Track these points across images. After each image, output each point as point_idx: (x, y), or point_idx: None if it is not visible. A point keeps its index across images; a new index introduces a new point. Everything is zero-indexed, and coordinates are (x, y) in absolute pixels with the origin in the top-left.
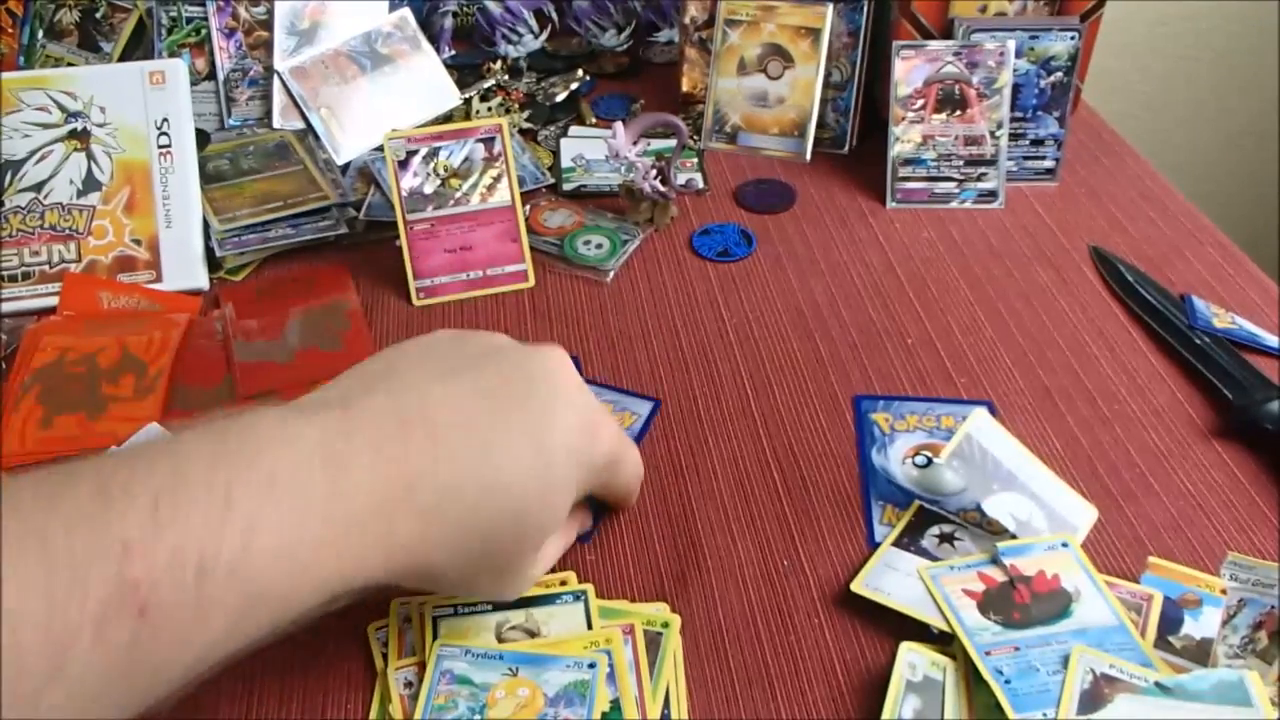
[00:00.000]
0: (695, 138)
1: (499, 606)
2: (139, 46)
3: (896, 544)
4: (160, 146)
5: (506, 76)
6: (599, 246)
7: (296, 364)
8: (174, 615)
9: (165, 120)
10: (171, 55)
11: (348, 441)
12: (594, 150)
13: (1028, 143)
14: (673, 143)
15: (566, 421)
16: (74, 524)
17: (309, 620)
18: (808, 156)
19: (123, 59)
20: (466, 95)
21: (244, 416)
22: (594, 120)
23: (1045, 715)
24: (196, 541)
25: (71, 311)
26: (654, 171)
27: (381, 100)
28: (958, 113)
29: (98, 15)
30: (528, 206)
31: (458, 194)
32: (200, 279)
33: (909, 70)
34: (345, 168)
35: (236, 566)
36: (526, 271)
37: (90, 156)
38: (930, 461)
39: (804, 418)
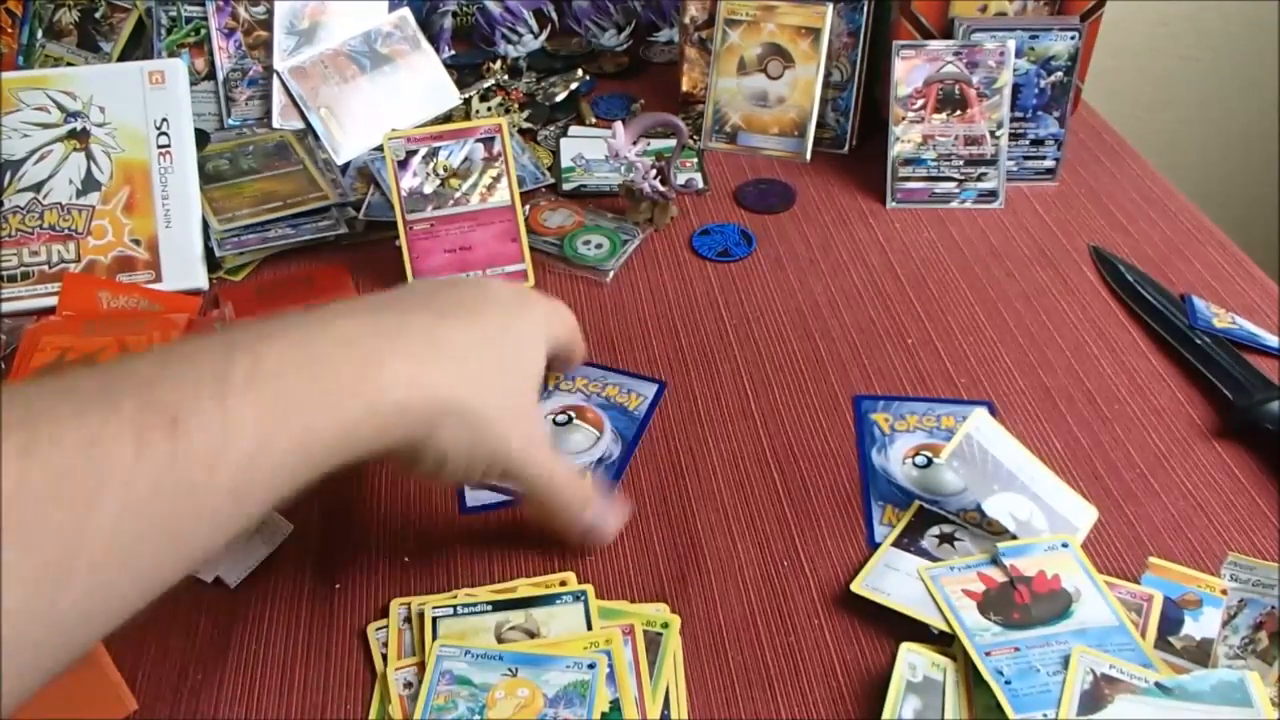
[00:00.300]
0: (695, 138)
1: (499, 607)
2: (138, 46)
3: (896, 544)
4: (160, 146)
5: (506, 76)
6: (599, 246)
7: None
8: (203, 427)
9: (165, 120)
10: (171, 55)
11: (332, 317)
12: (594, 150)
13: (1028, 143)
14: (673, 143)
15: (504, 284)
16: (96, 374)
17: (361, 460)
18: (808, 156)
19: (122, 59)
20: (466, 95)
21: None
22: (594, 120)
23: (1045, 716)
24: (209, 368)
25: (71, 311)
26: (654, 171)
27: (381, 100)
28: (958, 112)
29: (97, 15)
30: (527, 206)
31: (457, 194)
32: (199, 279)
33: (909, 70)
34: (345, 167)
35: (251, 378)
36: (526, 271)
37: (89, 156)
38: (930, 462)
39: (804, 418)
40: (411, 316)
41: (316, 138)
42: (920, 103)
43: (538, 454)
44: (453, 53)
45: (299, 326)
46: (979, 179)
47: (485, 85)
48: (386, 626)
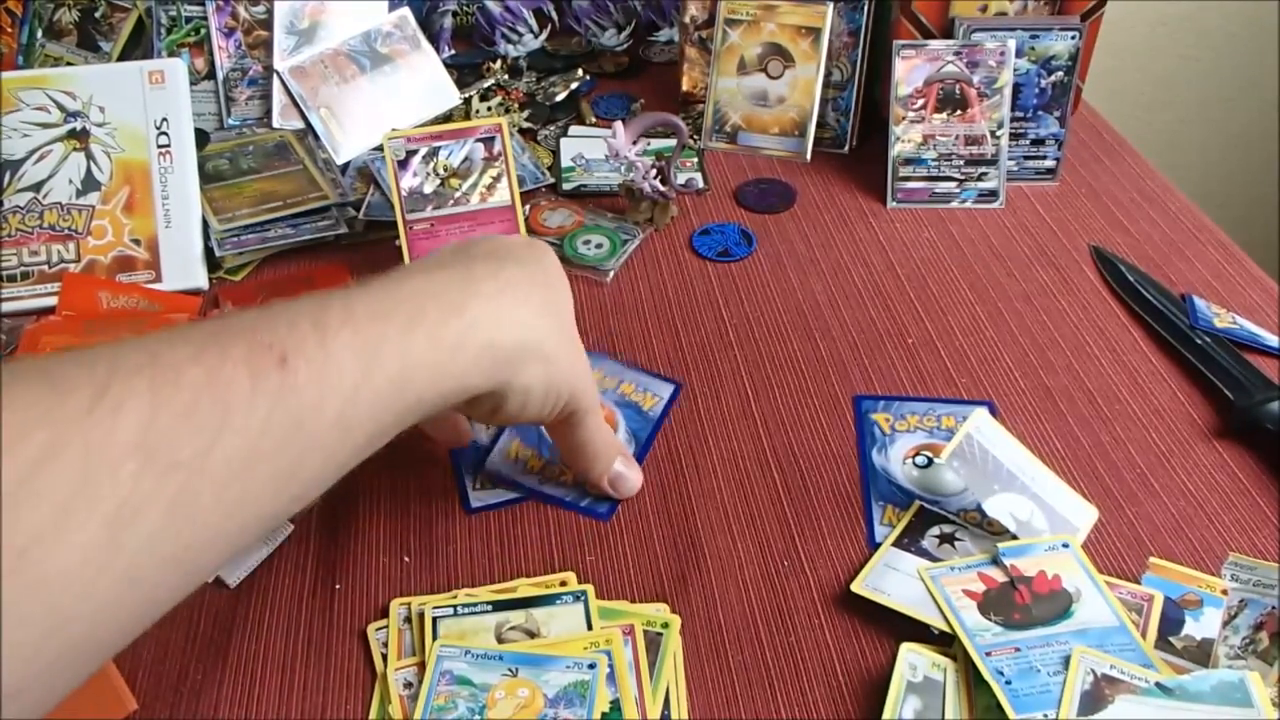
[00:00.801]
0: (695, 137)
1: (499, 607)
2: (138, 46)
3: (897, 544)
4: (159, 146)
5: (506, 76)
6: (599, 246)
7: None
8: (309, 363)
9: (164, 120)
10: (171, 55)
11: (405, 276)
12: (594, 150)
13: (1028, 142)
14: (673, 142)
15: (510, 236)
16: (203, 325)
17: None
18: (808, 156)
19: (122, 58)
20: (466, 95)
21: None
22: (594, 120)
23: (1046, 716)
24: (307, 316)
25: (71, 311)
26: (654, 171)
27: (381, 100)
28: (958, 112)
29: (97, 15)
30: (527, 206)
31: (457, 194)
32: (199, 279)
33: (909, 70)
34: (345, 167)
35: (346, 322)
36: None
37: (89, 156)
38: (931, 462)
39: (804, 418)
40: (474, 266)
41: (316, 137)
42: (920, 102)
43: (593, 389)
44: (453, 52)
45: (381, 284)
46: (979, 179)
47: (485, 85)
48: (386, 627)
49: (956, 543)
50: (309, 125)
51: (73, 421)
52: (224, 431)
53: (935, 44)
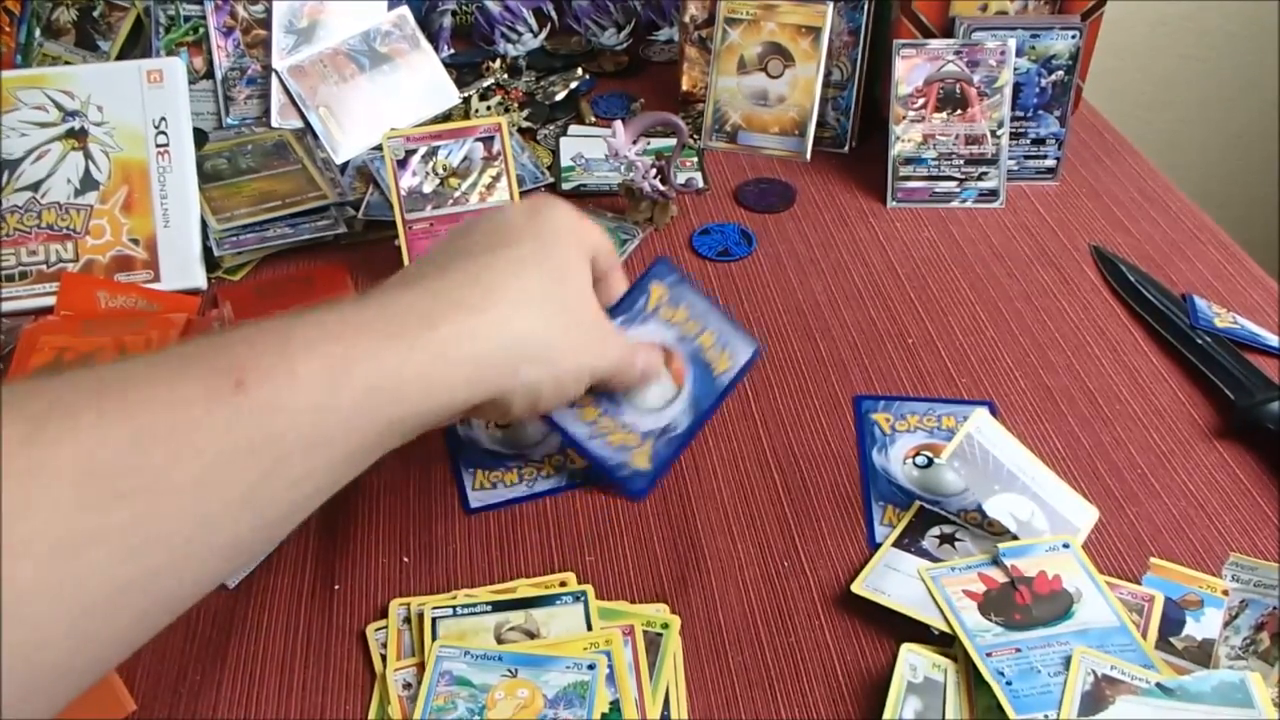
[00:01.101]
0: (695, 137)
1: (498, 607)
2: (137, 45)
3: (897, 545)
4: (158, 146)
5: (506, 75)
6: None
7: None
8: (267, 381)
9: (163, 119)
10: (169, 54)
11: (384, 291)
12: (593, 149)
13: (1029, 142)
14: (673, 142)
15: (515, 204)
16: (176, 349)
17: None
18: (808, 156)
19: (120, 58)
20: (465, 94)
21: None
22: (593, 119)
23: (1046, 717)
24: (273, 336)
25: (69, 311)
26: (654, 171)
27: (380, 99)
28: (958, 112)
29: (95, 14)
30: None
31: (457, 193)
32: (198, 279)
33: (910, 69)
34: (344, 167)
35: (316, 339)
36: None
37: (88, 156)
38: (931, 462)
39: (804, 418)
40: (453, 272)
41: (315, 137)
42: (921, 102)
43: (613, 351)
44: (452, 51)
45: (357, 301)
46: (980, 178)
47: (485, 84)
48: (386, 627)
49: (957, 543)
50: (308, 124)
51: (9, 454)
52: (179, 458)
53: (935, 43)
